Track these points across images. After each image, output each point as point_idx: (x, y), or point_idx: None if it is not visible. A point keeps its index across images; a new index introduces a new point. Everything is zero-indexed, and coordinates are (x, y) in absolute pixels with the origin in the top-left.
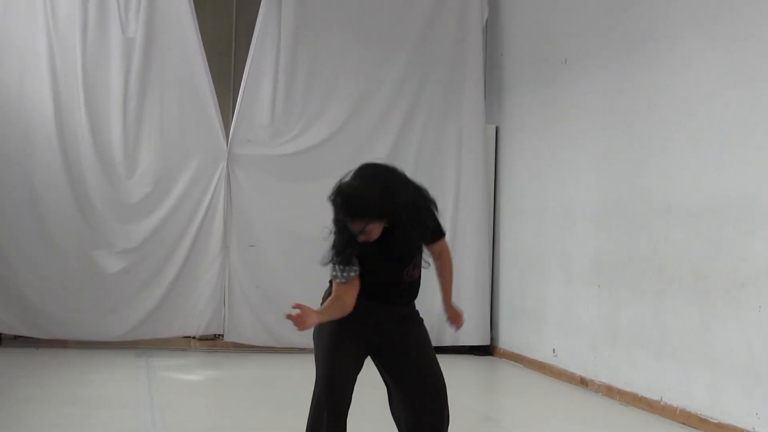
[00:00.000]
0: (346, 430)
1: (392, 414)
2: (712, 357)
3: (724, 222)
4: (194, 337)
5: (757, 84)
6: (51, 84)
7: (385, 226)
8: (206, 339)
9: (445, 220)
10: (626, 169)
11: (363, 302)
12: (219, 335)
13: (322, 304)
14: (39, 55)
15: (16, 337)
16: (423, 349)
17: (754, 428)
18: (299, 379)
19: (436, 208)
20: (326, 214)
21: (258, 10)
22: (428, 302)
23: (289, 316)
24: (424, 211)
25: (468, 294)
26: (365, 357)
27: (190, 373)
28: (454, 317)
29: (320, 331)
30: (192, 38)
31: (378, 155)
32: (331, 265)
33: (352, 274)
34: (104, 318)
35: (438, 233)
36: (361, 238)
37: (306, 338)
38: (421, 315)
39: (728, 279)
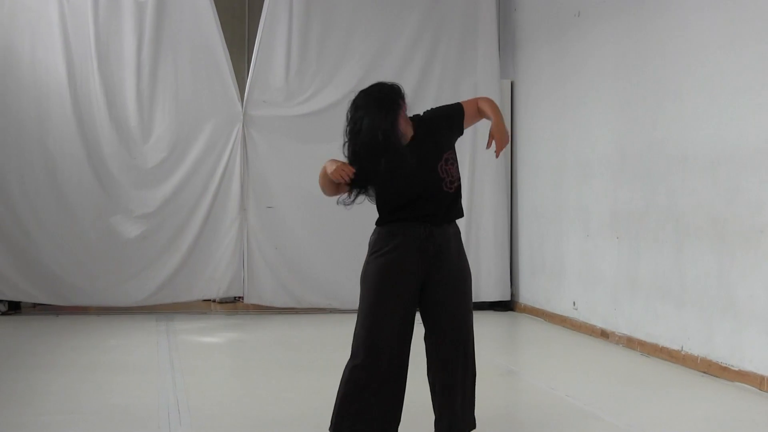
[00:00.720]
0: (404, 383)
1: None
2: (732, 305)
3: (741, 170)
4: (214, 301)
5: None
6: (63, 51)
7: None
8: (226, 302)
9: (463, 176)
10: (642, 120)
11: (409, 226)
12: (239, 298)
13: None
14: (51, 21)
15: (35, 305)
16: (462, 284)
17: None
18: (320, 340)
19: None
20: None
21: None
22: None
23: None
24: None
25: (487, 250)
26: (416, 300)
27: (211, 336)
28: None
29: (366, 276)
30: (204, 1)
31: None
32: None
33: (356, 202)
34: (124, 284)
35: (458, 109)
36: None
37: (326, 299)
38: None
39: (746, 227)
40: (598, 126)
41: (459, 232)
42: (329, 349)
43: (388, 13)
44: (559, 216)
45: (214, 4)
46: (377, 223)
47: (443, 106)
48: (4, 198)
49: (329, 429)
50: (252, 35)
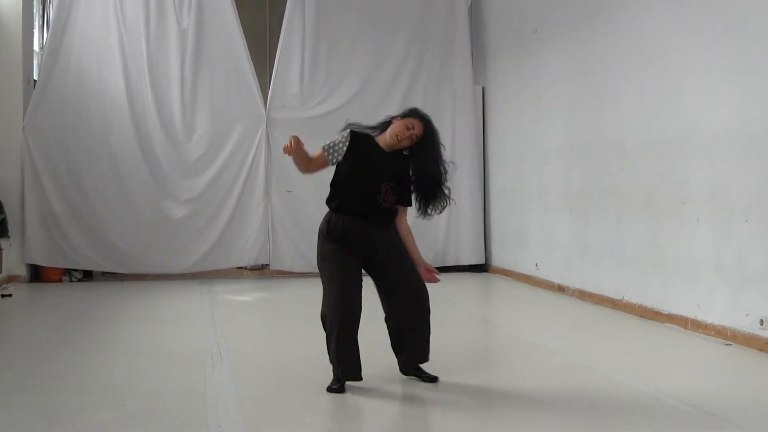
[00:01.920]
0: (356, 334)
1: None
2: (661, 262)
3: (667, 155)
4: (246, 268)
5: (690, 45)
6: (122, 68)
7: (412, 141)
8: (256, 268)
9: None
10: (587, 116)
11: (349, 221)
12: (266, 265)
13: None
14: (112, 46)
15: (104, 273)
16: (399, 253)
17: (696, 316)
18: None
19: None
20: None
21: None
22: (432, 230)
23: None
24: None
25: (466, 224)
26: (361, 268)
27: (244, 296)
28: (428, 275)
29: (322, 255)
30: (234, 28)
31: (387, 115)
32: (337, 139)
33: (338, 158)
34: (173, 255)
35: (407, 201)
36: (404, 133)
37: None
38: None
39: (672, 199)
40: (553, 121)
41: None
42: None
43: (383, 34)
44: (523, 194)
45: (242, 30)
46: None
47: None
48: (77, 187)
49: (332, 385)
50: (272, 54)
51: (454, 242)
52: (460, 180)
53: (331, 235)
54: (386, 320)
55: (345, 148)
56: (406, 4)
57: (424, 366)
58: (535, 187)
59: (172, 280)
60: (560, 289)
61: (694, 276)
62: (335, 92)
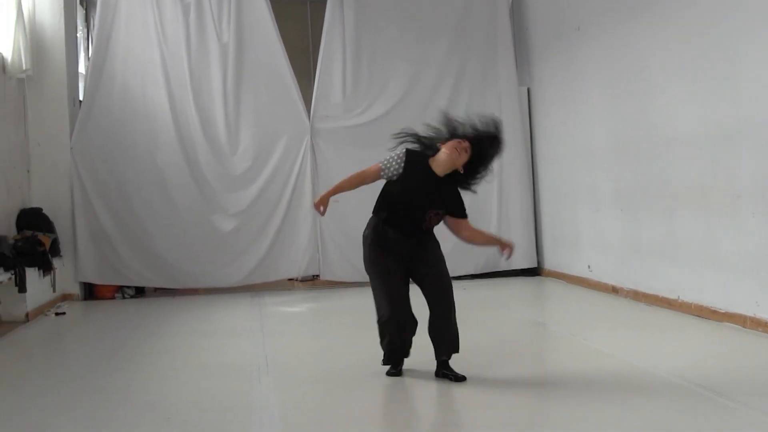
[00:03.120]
0: (412, 316)
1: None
2: (717, 259)
3: (718, 147)
4: (297, 279)
5: (737, 38)
6: (166, 86)
7: (468, 160)
8: (306, 280)
9: (492, 169)
10: (635, 112)
11: (393, 233)
12: (316, 276)
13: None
14: (155, 63)
15: (156, 289)
16: (435, 261)
17: (755, 314)
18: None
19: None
20: None
21: None
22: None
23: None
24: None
25: (516, 227)
26: (406, 271)
27: (294, 307)
28: (505, 246)
29: (370, 261)
30: (274, 40)
31: (432, 121)
32: (392, 158)
33: (392, 177)
34: (224, 269)
35: (462, 213)
36: (457, 149)
37: None
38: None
39: (726, 194)
40: (600, 119)
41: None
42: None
43: (424, 38)
44: (573, 195)
45: (282, 41)
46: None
47: (461, 203)
48: (126, 204)
49: (383, 362)
50: (315, 64)
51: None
52: (508, 183)
53: (377, 243)
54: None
55: (400, 170)
56: (447, 8)
57: (453, 365)
58: (584, 187)
59: (223, 294)
60: (614, 290)
61: (751, 272)
62: (378, 100)
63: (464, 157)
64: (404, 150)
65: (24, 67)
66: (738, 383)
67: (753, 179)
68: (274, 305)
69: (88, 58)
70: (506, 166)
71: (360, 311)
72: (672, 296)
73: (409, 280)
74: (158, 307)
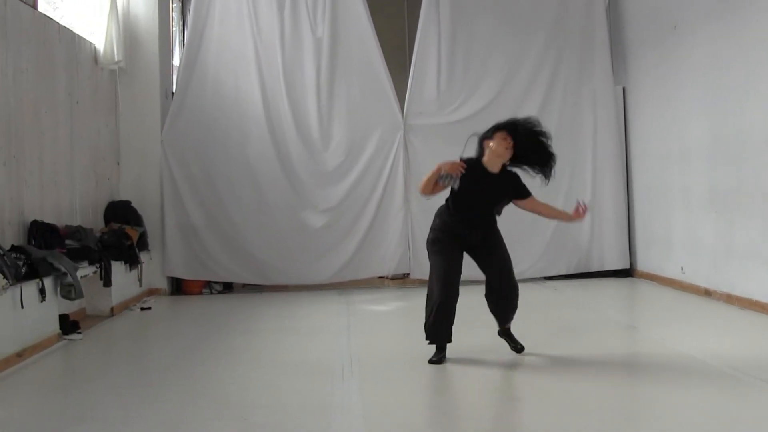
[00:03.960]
0: (455, 305)
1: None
2: None
3: None
4: (387, 277)
5: None
6: (258, 79)
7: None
8: (397, 278)
9: (585, 168)
10: (731, 112)
11: (458, 221)
12: (406, 274)
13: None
14: (248, 57)
15: (244, 285)
16: (499, 248)
17: None
18: (474, 305)
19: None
20: None
21: None
22: (575, 235)
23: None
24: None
25: (609, 227)
26: (463, 255)
27: (383, 305)
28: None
29: (432, 240)
30: (369, 35)
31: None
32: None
33: (452, 184)
34: (313, 265)
35: (526, 193)
36: (495, 139)
37: (474, 271)
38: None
39: None
40: (694, 119)
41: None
42: (478, 311)
43: (519, 34)
44: (666, 195)
45: (376, 36)
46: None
47: (521, 185)
48: (216, 199)
49: (426, 339)
50: (410, 60)
51: (597, 247)
52: (602, 183)
53: (443, 228)
54: (486, 296)
55: (458, 181)
56: (543, 4)
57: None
58: (679, 188)
59: (312, 291)
60: (706, 293)
61: None
62: (473, 96)
63: (504, 144)
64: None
65: (116, 59)
66: None
67: None
68: (362, 303)
69: (182, 51)
70: (600, 165)
71: None
72: (766, 300)
73: (461, 263)
74: (245, 303)
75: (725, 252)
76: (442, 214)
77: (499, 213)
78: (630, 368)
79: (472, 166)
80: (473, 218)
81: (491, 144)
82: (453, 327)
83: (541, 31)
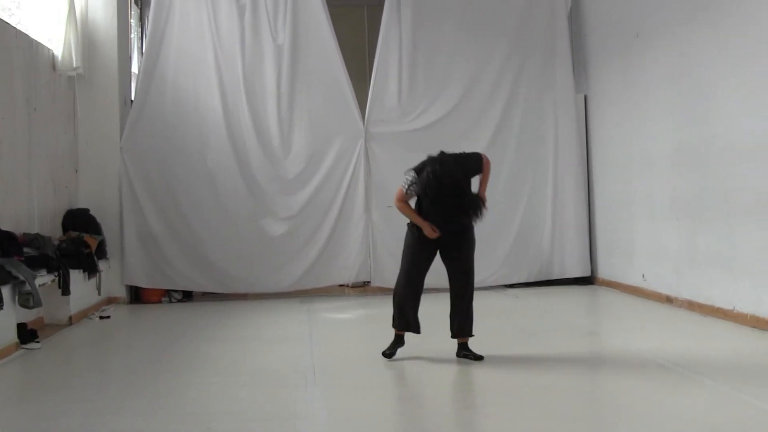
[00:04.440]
0: (420, 289)
1: None
2: None
3: None
4: (348, 285)
5: None
6: (218, 86)
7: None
8: (357, 286)
9: (547, 176)
10: (694, 119)
11: (435, 213)
12: (367, 282)
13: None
14: (208, 64)
15: (204, 294)
16: (466, 249)
17: None
18: (435, 313)
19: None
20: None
21: None
22: (537, 243)
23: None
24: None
25: (570, 235)
26: (434, 254)
27: (344, 313)
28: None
29: (407, 240)
30: (330, 42)
31: (488, 126)
32: (410, 181)
33: (413, 194)
34: (273, 274)
35: (478, 160)
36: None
37: (439, 280)
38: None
39: None
40: (657, 126)
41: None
42: (440, 320)
43: (481, 43)
44: (628, 203)
45: (338, 44)
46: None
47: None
48: (175, 207)
49: (392, 326)
50: (371, 68)
51: (559, 254)
52: (563, 191)
53: (416, 229)
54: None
55: (417, 187)
56: (505, 12)
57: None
58: (641, 196)
59: (273, 299)
60: (668, 300)
61: None
62: (434, 104)
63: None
64: (411, 173)
65: (75, 65)
66: None
67: None
68: (323, 311)
69: (141, 58)
70: (561, 173)
71: None
72: (728, 307)
73: (429, 264)
74: (205, 312)
75: (688, 259)
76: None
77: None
78: (591, 370)
79: (421, 169)
80: (447, 208)
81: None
82: (421, 322)
83: (504, 39)
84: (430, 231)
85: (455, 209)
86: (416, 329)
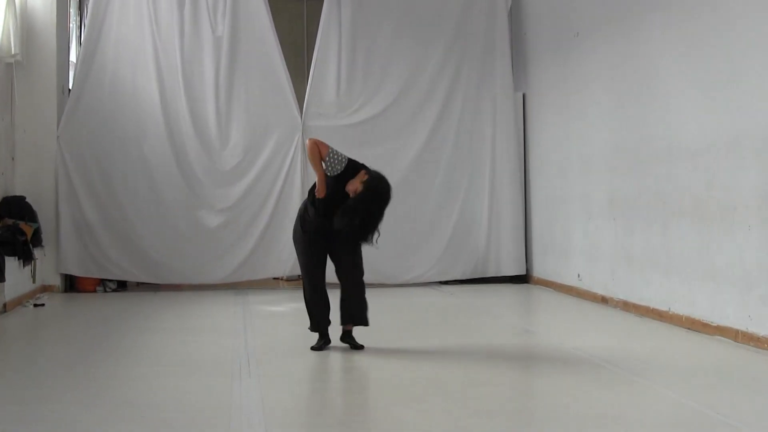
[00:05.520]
0: (325, 293)
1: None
2: (711, 271)
3: (716, 158)
4: (282, 278)
5: (738, 44)
6: (157, 77)
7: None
8: (292, 279)
9: (484, 174)
10: (632, 120)
11: (321, 220)
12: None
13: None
14: (147, 54)
15: (138, 284)
16: (352, 247)
17: (747, 328)
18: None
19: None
20: (385, 171)
21: None
22: (473, 240)
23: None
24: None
25: (506, 233)
26: (327, 249)
27: (278, 306)
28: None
29: (297, 236)
30: (269, 35)
31: (426, 122)
32: (338, 157)
33: (333, 172)
34: (209, 265)
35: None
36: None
37: (374, 276)
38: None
39: (722, 205)
40: (596, 127)
41: None
42: (372, 314)
43: (420, 40)
44: (565, 203)
45: (277, 37)
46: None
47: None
48: (112, 196)
49: (309, 328)
50: (309, 62)
51: (494, 253)
52: (500, 190)
53: (304, 226)
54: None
55: (338, 171)
56: (445, 9)
57: (358, 337)
58: (578, 196)
59: (208, 291)
60: (603, 300)
61: (745, 286)
62: (372, 100)
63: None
64: (347, 158)
65: (13, 52)
66: (728, 399)
67: (750, 191)
68: (258, 304)
69: (80, 47)
70: (498, 171)
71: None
72: (663, 308)
73: (326, 260)
74: (140, 302)
75: (623, 259)
76: (304, 212)
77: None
78: (524, 367)
79: (349, 168)
80: (328, 207)
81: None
82: (331, 314)
83: (443, 36)
84: (323, 189)
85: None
86: (325, 326)
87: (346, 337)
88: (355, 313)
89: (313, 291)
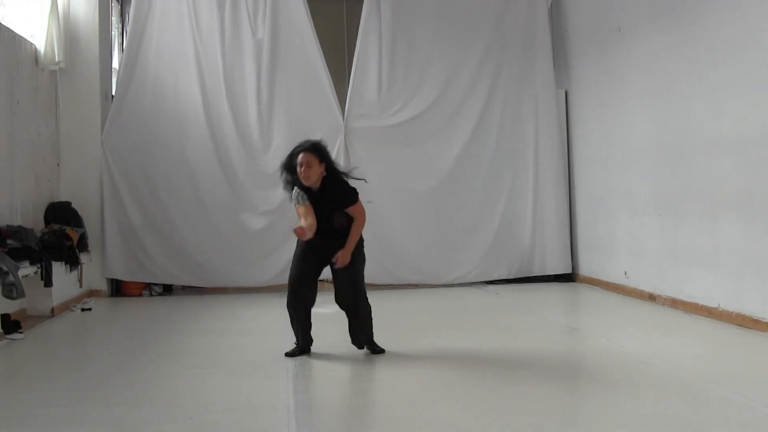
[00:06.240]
0: (309, 314)
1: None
2: (760, 267)
3: (762, 151)
4: (327, 280)
5: None
6: (198, 81)
7: (322, 175)
8: None
9: (527, 172)
10: (676, 114)
11: (317, 238)
12: None
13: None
14: (188, 59)
15: (184, 288)
16: (350, 267)
17: None
18: (412, 307)
19: (347, 183)
20: (427, 172)
21: None
22: (517, 239)
23: (295, 231)
24: (340, 179)
25: (551, 231)
26: (321, 268)
27: (323, 308)
28: (340, 258)
29: (296, 251)
30: (310, 37)
31: (468, 121)
32: (294, 193)
33: (307, 201)
34: (253, 268)
35: (351, 200)
36: (302, 172)
37: (416, 275)
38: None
39: None
40: (638, 122)
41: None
42: (416, 314)
43: (461, 38)
44: (610, 200)
45: (317, 39)
46: None
47: (348, 187)
48: (156, 200)
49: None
50: (350, 63)
51: (539, 251)
52: (544, 188)
53: (301, 243)
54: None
55: (302, 200)
56: (485, 7)
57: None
58: (622, 192)
59: (252, 293)
60: (651, 297)
61: None
62: (414, 100)
63: (302, 169)
64: (295, 190)
65: (57, 59)
66: None
67: None
68: None
69: (122, 53)
70: (541, 169)
71: (393, 313)
72: (712, 304)
73: (317, 272)
74: (185, 305)
75: (670, 256)
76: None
77: (342, 225)
78: (571, 368)
79: (303, 188)
80: (327, 232)
81: (300, 170)
82: (314, 329)
83: (483, 34)
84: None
85: (329, 228)
86: (303, 338)
87: (369, 347)
88: (364, 339)
89: (295, 310)
